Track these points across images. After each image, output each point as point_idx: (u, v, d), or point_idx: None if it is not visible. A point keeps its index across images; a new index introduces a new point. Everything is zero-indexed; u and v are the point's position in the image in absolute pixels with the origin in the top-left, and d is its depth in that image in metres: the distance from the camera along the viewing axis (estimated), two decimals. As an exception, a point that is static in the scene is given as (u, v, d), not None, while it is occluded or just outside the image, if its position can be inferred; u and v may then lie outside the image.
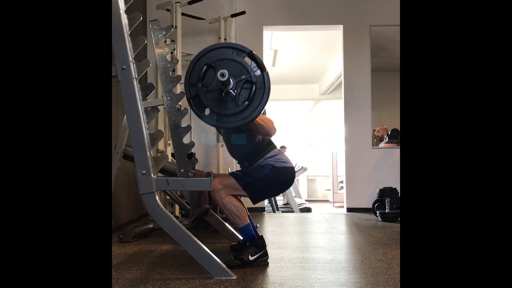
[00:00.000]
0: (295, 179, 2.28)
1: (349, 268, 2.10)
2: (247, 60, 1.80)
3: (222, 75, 1.67)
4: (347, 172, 4.68)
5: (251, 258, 2.05)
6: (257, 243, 2.09)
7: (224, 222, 2.73)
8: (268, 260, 2.14)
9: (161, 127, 3.94)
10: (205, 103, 1.78)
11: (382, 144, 5.01)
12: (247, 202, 2.23)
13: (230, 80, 1.73)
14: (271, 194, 2.44)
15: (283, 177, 2.15)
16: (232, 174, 2.14)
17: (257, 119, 1.99)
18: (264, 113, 2.24)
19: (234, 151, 2.29)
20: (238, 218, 2.07)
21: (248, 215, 2.19)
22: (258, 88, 1.77)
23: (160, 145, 3.72)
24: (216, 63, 1.76)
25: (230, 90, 1.75)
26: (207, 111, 1.80)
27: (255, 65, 1.79)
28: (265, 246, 2.14)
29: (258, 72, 1.78)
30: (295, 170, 6.92)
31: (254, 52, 1.80)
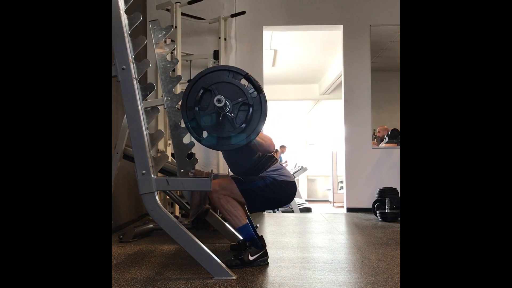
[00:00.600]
0: (294, 196, 2.25)
1: (349, 268, 2.10)
2: (244, 82, 1.81)
3: (219, 101, 1.69)
4: (347, 172, 4.68)
5: (251, 258, 2.05)
6: (257, 243, 2.09)
7: (224, 222, 2.73)
8: (268, 260, 2.14)
9: (161, 127, 3.94)
10: (203, 126, 1.79)
11: (382, 144, 5.01)
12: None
13: (227, 104, 1.75)
14: (269, 206, 2.40)
15: (283, 191, 2.15)
16: (233, 177, 2.14)
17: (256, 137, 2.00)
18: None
19: (235, 168, 2.29)
20: (236, 218, 2.07)
21: (248, 215, 2.18)
22: (255, 110, 1.78)
23: (160, 145, 3.72)
24: (213, 87, 1.78)
25: (227, 113, 1.76)
26: (205, 134, 1.81)
27: (252, 87, 1.80)
28: (265, 246, 2.14)
29: (255, 94, 1.79)
30: (296, 170, 6.82)
31: (250, 74, 1.82)
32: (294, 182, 2.23)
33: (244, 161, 2.19)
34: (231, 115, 1.77)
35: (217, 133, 1.79)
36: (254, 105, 1.78)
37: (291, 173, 6.66)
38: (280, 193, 2.14)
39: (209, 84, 1.78)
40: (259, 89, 1.80)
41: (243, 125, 1.78)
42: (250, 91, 1.79)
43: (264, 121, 1.79)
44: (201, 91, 1.79)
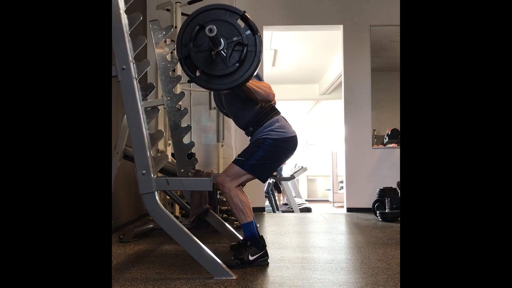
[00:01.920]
0: (296, 148, 2.25)
1: (349, 268, 2.10)
2: (240, 23, 1.78)
3: (210, 30, 1.63)
4: (347, 172, 4.68)
5: (251, 258, 2.05)
6: (258, 243, 2.09)
7: (224, 222, 2.73)
8: (268, 260, 2.14)
9: (161, 127, 3.93)
10: (196, 63, 1.76)
11: (390, 145, 5.01)
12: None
13: (221, 40, 1.71)
14: (278, 166, 2.43)
15: (284, 149, 2.16)
16: (234, 162, 2.14)
17: (253, 85, 1.99)
18: (261, 79, 2.24)
19: (238, 119, 2.29)
20: (243, 213, 2.08)
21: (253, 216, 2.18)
22: (250, 50, 1.76)
23: (160, 145, 3.72)
24: (208, 23, 1.73)
25: (221, 51, 1.73)
26: (198, 73, 1.79)
27: (248, 28, 1.77)
28: (265, 246, 2.14)
29: (251, 35, 1.77)
30: (295, 170, 6.78)
31: (247, 15, 1.78)
32: (294, 135, 2.21)
33: (247, 112, 2.19)
34: (224, 53, 1.74)
35: (210, 71, 1.76)
36: (249, 46, 1.76)
37: (291, 173, 6.66)
38: (282, 151, 2.16)
39: (205, 21, 1.75)
40: (255, 30, 1.77)
41: (236, 65, 1.76)
42: (246, 32, 1.77)
43: (258, 63, 1.77)
44: (197, 27, 1.76)
